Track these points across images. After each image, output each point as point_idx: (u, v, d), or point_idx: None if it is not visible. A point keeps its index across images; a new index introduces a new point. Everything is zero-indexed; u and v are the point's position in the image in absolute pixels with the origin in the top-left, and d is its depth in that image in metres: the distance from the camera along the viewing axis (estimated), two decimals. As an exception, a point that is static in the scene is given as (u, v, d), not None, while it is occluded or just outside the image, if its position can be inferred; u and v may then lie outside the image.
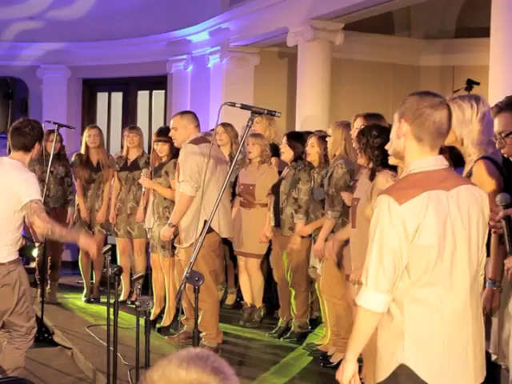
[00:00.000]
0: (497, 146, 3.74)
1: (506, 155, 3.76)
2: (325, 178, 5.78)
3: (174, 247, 6.14)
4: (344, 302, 5.41)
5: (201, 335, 5.77)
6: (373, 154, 4.65)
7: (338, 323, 5.62)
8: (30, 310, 4.82)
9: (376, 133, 4.67)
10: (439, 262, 2.67)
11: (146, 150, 7.81)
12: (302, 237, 6.17)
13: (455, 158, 4.03)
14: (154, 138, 6.72)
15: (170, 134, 5.99)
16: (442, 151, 4.07)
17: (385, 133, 4.69)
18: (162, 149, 6.50)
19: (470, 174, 3.73)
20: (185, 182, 5.67)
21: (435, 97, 2.80)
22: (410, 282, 2.68)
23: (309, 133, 6.76)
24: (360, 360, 5.36)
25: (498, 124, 3.69)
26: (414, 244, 2.65)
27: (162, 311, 6.75)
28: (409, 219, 2.63)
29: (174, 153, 6.33)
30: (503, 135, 3.64)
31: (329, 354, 5.68)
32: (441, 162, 2.81)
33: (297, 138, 6.41)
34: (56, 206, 7.76)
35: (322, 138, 5.95)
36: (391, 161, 4.33)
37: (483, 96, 4.05)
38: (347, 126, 5.56)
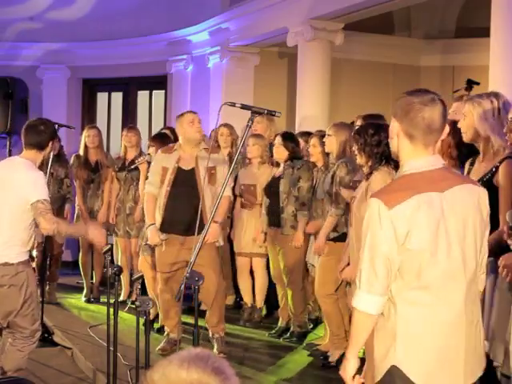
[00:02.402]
0: (504, 129, 3.77)
1: (509, 142, 3.79)
2: (326, 177, 5.78)
3: None
4: (331, 299, 5.47)
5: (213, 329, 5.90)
6: (372, 152, 4.67)
7: (327, 320, 5.66)
8: (36, 312, 4.81)
9: (372, 131, 4.69)
10: (431, 265, 2.65)
11: (145, 150, 7.81)
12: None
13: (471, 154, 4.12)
14: (150, 142, 7.05)
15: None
16: (458, 147, 4.16)
17: (381, 130, 4.73)
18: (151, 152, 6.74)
19: (495, 169, 3.77)
20: (229, 186, 5.85)
21: (427, 93, 2.74)
22: (403, 284, 2.67)
23: (308, 133, 6.78)
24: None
25: None
26: (405, 248, 2.62)
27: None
28: (399, 223, 2.61)
29: None
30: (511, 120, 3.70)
31: (329, 353, 5.69)
32: (437, 162, 2.76)
33: (290, 138, 6.45)
34: (54, 207, 7.73)
35: (323, 137, 5.97)
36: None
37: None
38: (350, 126, 5.60)
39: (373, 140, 4.66)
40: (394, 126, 2.76)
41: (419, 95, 2.73)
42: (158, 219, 5.83)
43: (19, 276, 4.60)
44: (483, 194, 2.82)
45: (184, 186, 5.75)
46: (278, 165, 6.62)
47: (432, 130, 2.71)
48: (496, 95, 3.98)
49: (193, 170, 5.77)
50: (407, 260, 2.64)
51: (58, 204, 7.88)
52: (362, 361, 5.46)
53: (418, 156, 2.72)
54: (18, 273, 4.59)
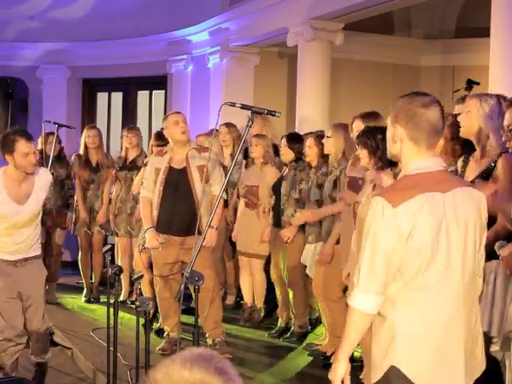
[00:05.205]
0: (503, 138, 3.77)
1: (510, 150, 3.80)
2: (326, 179, 5.75)
3: None
4: (340, 304, 5.43)
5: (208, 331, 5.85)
6: (382, 156, 4.70)
7: (333, 324, 5.64)
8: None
9: (381, 135, 4.73)
10: (432, 264, 2.66)
11: (146, 150, 7.82)
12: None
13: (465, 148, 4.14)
14: (153, 142, 6.94)
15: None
16: (453, 141, 4.20)
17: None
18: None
19: (493, 167, 3.78)
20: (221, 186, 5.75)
21: (425, 96, 2.78)
22: (402, 284, 2.67)
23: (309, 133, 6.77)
24: (356, 360, 5.38)
25: (508, 117, 3.73)
26: (408, 245, 2.63)
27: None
28: (403, 221, 2.62)
29: None
30: (510, 128, 3.69)
31: (328, 354, 5.68)
32: (438, 164, 2.79)
33: (296, 139, 6.42)
34: (55, 209, 7.72)
35: (319, 138, 5.96)
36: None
37: None
38: (347, 127, 5.60)
39: (383, 144, 4.70)
40: (397, 131, 2.78)
41: (419, 99, 2.75)
42: (154, 220, 5.86)
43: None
44: (483, 198, 2.84)
45: (176, 185, 5.79)
46: (285, 165, 6.59)
47: (435, 132, 2.76)
48: (504, 98, 4.00)
49: (184, 169, 5.80)
50: (408, 258, 2.64)
51: (59, 204, 7.87)
52: (351, 361, 5.52)
53: (421, 157, 2.75)
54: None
